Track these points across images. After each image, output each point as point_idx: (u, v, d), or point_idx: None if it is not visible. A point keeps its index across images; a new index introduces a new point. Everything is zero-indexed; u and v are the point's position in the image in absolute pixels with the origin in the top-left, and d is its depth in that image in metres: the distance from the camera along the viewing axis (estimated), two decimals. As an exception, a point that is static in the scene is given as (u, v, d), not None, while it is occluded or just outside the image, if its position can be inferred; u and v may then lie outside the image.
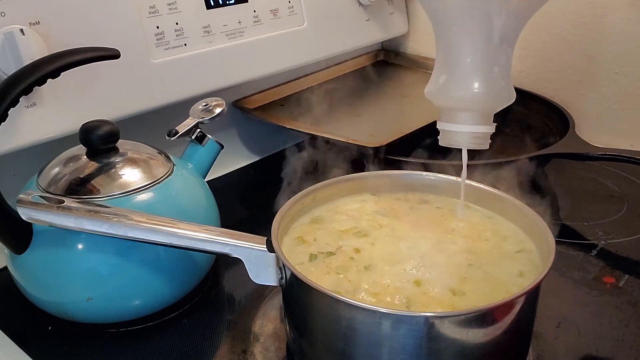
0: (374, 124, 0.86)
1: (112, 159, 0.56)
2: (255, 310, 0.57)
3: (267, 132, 0.89)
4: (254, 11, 0.78)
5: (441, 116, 0.51)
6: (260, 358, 0.52)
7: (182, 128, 0.61)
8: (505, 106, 0.50)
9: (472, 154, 0.53)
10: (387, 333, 0.43)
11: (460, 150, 0.51)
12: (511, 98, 0.49)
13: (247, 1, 0.77)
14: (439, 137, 0.51)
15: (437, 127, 0.51)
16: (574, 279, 0.61)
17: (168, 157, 0.59)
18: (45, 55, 0.53)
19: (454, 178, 0.58)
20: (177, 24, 0.70)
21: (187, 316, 0.57)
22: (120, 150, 0.56)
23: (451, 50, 0.49)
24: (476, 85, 0.48)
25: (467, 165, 0.53)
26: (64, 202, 0.51)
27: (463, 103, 0.49)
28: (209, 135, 0.63)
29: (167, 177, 0.56)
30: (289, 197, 0.55)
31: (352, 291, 0.47)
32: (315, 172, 0.64)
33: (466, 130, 0.49)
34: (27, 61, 0.55)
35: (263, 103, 0.90)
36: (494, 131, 0.50)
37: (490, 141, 0.51)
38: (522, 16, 0.48)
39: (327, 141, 0.74)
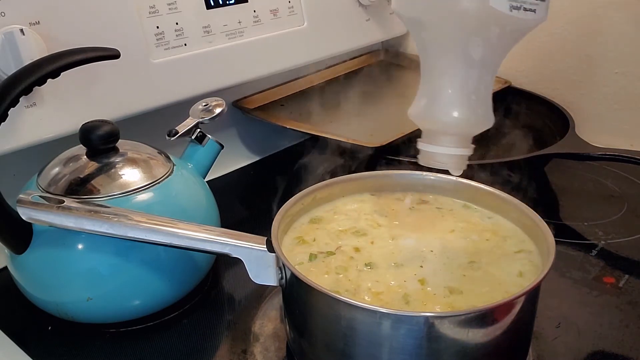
0: (374, 124, 0.86)
1: (112, 159, 0.56)
2: (255, 310, 0.57)
3: (267, 132, 0.89)
4: (254, 11, 0.78)
5: (423, 136, 0.52)
6: (260, 358, 0.52)
7: (182, 128, 0.61)
8: (482, 130, 0.52)
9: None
10: (387, 333, 0.43)
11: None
12: (489, 123, 0.51)
13: (247, 1, 0.77)
14: (418, 156, 0.52)
15: (417, 146, 0.52)
16: (574, 279, 0.61)
17: (168, 157, 0.59)
18: (45, 55, 0.53)
19: (454, 178, 0.58)
20: (177, 24, 0.70)
21: (187, 316, 0.57)
22: (120, 150, 0.56)
23: (432, 76, 0.51)
24: (454, 112, 0.50)
25: (467, 165, 0.53)
26: (64, 202, 0.51)
27: (442, 127, 0.51)
28: (209, 135, 0.63)
29: (167, 177, 0.56)
30: (288, 197, 0.55)
31: (352, 290, 0.47)
32: (315, 172, 0.64)
33: (444, 152, 0.51)
34: (27, 61, 0.55)
35: (263, 103, 0.89)
36: (471, 153, 0.52)
37: (468, 162, 0.53)
38: (503, 49, 0.50)
39: (327, 141, 0.74)
